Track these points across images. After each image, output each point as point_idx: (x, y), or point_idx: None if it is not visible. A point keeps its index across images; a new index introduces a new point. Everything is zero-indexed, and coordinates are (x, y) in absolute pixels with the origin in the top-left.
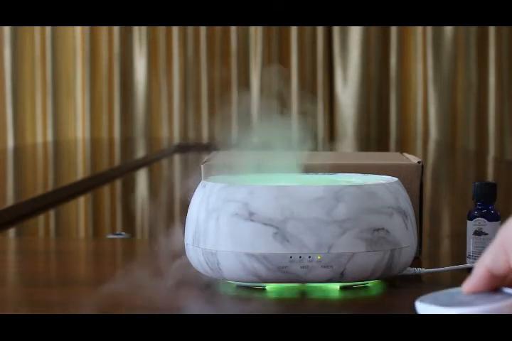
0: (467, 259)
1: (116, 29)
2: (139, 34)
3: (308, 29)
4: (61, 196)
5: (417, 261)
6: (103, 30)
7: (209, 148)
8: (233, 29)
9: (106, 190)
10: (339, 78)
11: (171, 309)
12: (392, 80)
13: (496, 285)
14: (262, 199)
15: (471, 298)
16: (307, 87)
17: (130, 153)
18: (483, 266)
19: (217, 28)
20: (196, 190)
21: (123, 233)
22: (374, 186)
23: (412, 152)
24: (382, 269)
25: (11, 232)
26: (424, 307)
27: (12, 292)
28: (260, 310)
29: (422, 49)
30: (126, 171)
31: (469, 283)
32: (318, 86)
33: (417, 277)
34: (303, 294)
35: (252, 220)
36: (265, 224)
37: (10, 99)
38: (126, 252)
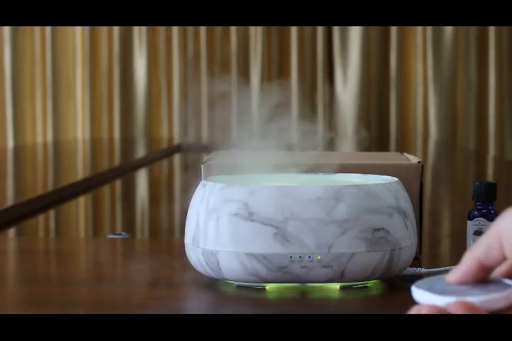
0: None
1: (116, 29)
2: (139, 34)
3: (308, 29)
4: (61, 196)
5: (417, 261)
6: (103, 30)
7: (209, 148)
8: (233, 29)
9: (106, 190)
10: (339, 78)
11: (171, 309)
12: (392, 80)
13: (483, 277)
14: (262, 199)
15: (466, 287)
16: (307, 87)
17: (130, 153)
18: (474, 257)
19: (217, 28)
20: (196, 190)
21: (123, 233)
22: (374, 186)
23: (412, 152)
24: (382, 269)
25: (11, 232)
26: (419, 293)
27: (12, 292)
28: (260, 310)
29: (422, 49)
30: (126, 171)
31: (456, 273)
32: (318, 86)
33: (417, 277)
34: (303, 294)
35: (252, 220)
36: (265, 224)
37: (10, 99)
38: (126, 252)
